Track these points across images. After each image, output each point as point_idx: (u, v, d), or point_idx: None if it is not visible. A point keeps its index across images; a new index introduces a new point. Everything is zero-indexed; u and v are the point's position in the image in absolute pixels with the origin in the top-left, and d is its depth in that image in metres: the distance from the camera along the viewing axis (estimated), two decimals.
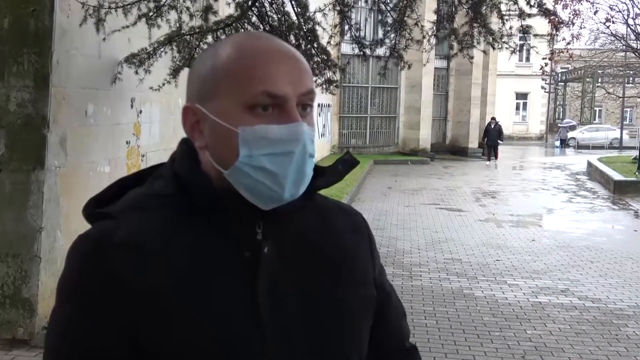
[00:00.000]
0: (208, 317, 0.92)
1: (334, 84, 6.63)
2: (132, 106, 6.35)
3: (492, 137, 23.68)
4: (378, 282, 1.13)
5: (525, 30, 6.31)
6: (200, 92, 0.97)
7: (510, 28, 6.48)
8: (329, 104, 21.22)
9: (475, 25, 6.46)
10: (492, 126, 23.90)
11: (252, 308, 0.95)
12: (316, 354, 0.99)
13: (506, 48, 6.59)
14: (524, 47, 19.79)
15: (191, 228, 0.96)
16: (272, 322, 0.95)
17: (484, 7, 6.37)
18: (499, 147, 24.36)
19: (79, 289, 0.93)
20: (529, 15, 6.33)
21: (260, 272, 0.96)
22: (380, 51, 7.16)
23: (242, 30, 5.93)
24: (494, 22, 6.77)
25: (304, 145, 0.93)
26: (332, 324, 1.01)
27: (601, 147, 32.93)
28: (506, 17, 6.47)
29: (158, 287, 0.91)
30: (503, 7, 6.50)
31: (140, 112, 6.56)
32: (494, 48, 6.63)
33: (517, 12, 6.35)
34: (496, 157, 23.77)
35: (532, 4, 5.97)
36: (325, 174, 1.04)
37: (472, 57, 7.24)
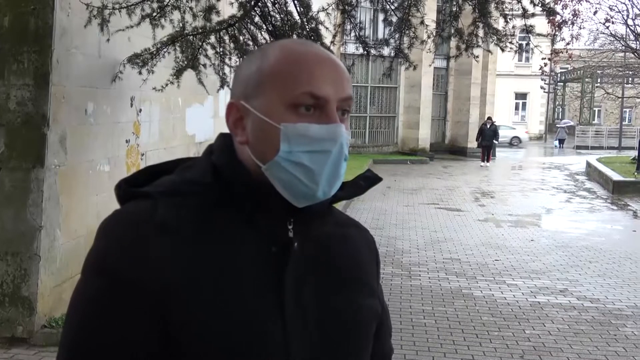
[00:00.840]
0: (233, 308, 0.94)
1: None
2: (131, 105, 6.35)
3: (488, 138, 22.85)
4: (380, 301, 1.16)
5: (529, 30, 6.31)
6: (246, 90, 1.01)
7: (513, 27, 6.48)
8: None
9: (479, 24, 6.45)
10: (488, 126, 23.09)
11: (278, 302, 0.97)
12: (333, 353, 1.01)
13: (510, 49, 6.58)
14: (524, 47, 19.76)
15: (225, 218, 0.98)
16: (295, 317, 0.98)
17: (491, 5, 6.37)
18: (497, 148, 23.89)
19: (113, 264, 0.92)
20: (533, 15, 6.33)
21: (289, 268, 0.99)
22: (385, 51, 7.15)
23: (245, 30, 5.94)
24: (497, 22, 6.77)
25: (340, 145, 0.97)
26: (350, 327, 1.04)
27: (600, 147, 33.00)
28: (509, 17, 6.48)
29: (189, 273, 0.93)
30: (506, 6, 6.50)
31: (140, 111, 6.56)
32: (502, 50, 6.62)
33: (519, 12, 6.35)
34: (488, 159, 22.78)
35: (535, 2, 5.97)
36: (346, 188, 1.07)
37: (478, 57, 7.24)
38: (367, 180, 1.11)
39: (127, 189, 1.01)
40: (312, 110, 0.97)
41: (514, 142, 35.92)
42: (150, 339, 0.92)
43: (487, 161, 22.60)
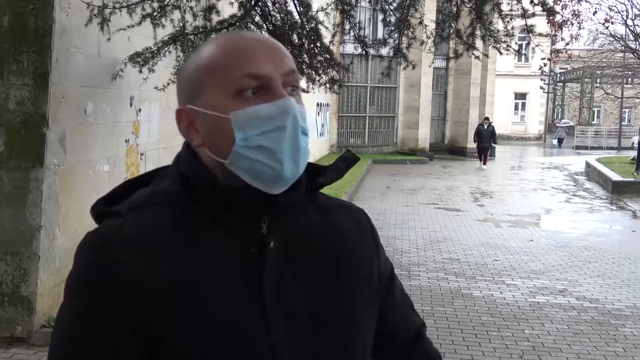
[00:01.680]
0: (214, 313, 0.94)
1: (337, 83, 6.63)
2: (131, 105, 6.35)
3: (485, 139, 21.80)
4: (382, 276, 1.15)
5: (529, 30, 6.31)
6: (190, 92, 1.00)
7: (513, 28, 6.48)
8: (327, 103, 21.23)
9: (477, 25, 6.46)
10: (485, 127, 21.99)
11: (259, 303, 0.96)
12: (320, 348, 1.00)
13: (507, 52, 6.59)
14: (523, 47, 19.74)
15: (197, 225, 0.98)
16: (277, 316, 0.97)
17: (487, 7, 6.37)
18: (495, 150, 22.96)
19: (86, 285, 0.94)
20: (533, 15, 6.33)
21: (267, 267, 0.98)
22: (384, 51, 7.16)
23: (245, 29, 5.94)
24: (496, 22, 6.77)
25: (294, 117, 0.95)
26: (336, 318, 1.03)
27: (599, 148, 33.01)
28: (508, 18, 6.47)
29: (164, 284, 0.93)
30: (505, 7, 6.50)
31: (140, 110, 6.56)
32: (500, 52, 6.62)
33: (519, 12, 6.35)
34: (485, 162, 21.70)
35: (535, 2, 5.97)
36: (327, 172, 1.07)
37: (479, 57, 7.24)
38: (346, 161, 1.10)
39: (100, 209, 1.01)
40: (257, 93, 0.95)
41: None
42: (132, 353, 0.93)
43: (485, 163, 21.64)
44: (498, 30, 6.59)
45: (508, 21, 6.44)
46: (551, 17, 6.86)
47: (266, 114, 0.94)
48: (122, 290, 0.92)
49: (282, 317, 0.98)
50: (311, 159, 1.03)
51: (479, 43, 6.65)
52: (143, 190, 1.03)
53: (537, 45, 6.60)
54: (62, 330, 0.96)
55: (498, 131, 23.25)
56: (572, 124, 38.86)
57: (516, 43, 6.79)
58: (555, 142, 36.48)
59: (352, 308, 1.05)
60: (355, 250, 1.10)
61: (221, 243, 0.98)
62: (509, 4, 6.42)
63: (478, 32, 6.52)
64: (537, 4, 6.06)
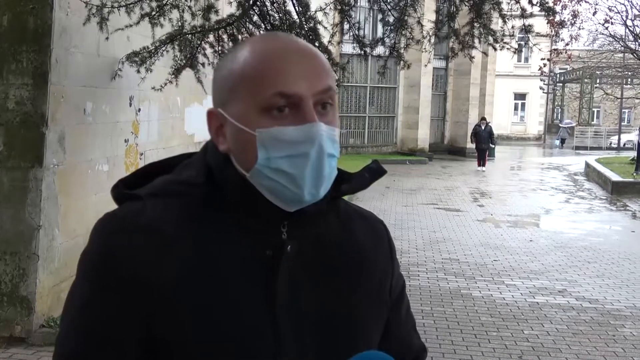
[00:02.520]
0: (222, 314, 0.93)
1: (337, 83, 6.63)
2: (130, 104, 6.35)
3: (483, 140, 21.05)
4: (393, 291, 1.13)
5: (527, 30, 6.31)
6: (222, 97, 0.99)
7: (513, 28, 6.48)
8: None
9: (476, 25, 6.45)
10: (482, 127, 21.25)
11: (269, 307, 0.95)
12: (325, 356, 0.99)
13: (507, 49, 6.59)
14: (523, 48, 19.70)
15: (216, 220, 0.97)
16: (286, 322, 0.96)
17: (486, 6, 6.37)
18: (494, 150, 22.25)
19: (99, 267, 0.94)
20: (531, 15, 6.33)
21: (281, 271, 0.97)
22: (380, 50, 7.16)
23: (244, 29, 5.94)
24: (495, 22, 6.78)
25: (319, 145, 0.92)
26: (344, 328, 1.02)
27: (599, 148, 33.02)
28: (507, 17, 6.47)
29: (176, 276, 0.92)
30: (504, 7, 6.50)
31: (139, 110, 6.55)
32: (495, 49, 6.62)
33: (518, 12, 6.35)
34: (484, 163, 20.84)
35: (534, 2, 5.97)
36: (351, 181, 1.05)
37: (473, 57, 7.24)
38: (372, 172, 1.07)
39: (121, 191, 1.00)
40: (287, 111, 0.92)
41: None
42: (138, 340, 0.92)
43: (483, 165, 20.87)
44: (495, 32, 6.59)
45: (506, 21, 6.44)
46: (550, 18, 6.86)
47: (291, 138, 0.92)
48: (132, 283, 0.91)
49: (291, 323, 0.97)
50: None
51: (476, 42, 6.65)
52: (165, 177, 1.01)
53: (535, 45, 6.60)
54: (70, 311, 0.96)
55: (498, 131, 22.79)
56: (574, 124, 38.83)
57: (516, 42, 6.78)
58: (557, 142, 36.46)
59: (361, 319, 1.04)
60: (370, 261, 1.09)
61: (237, 242, 0.96)
62: (508, 3, 6.42)
63: (476, 32, 6.52)
64: (536, 4, 6.06)
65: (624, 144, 34.09)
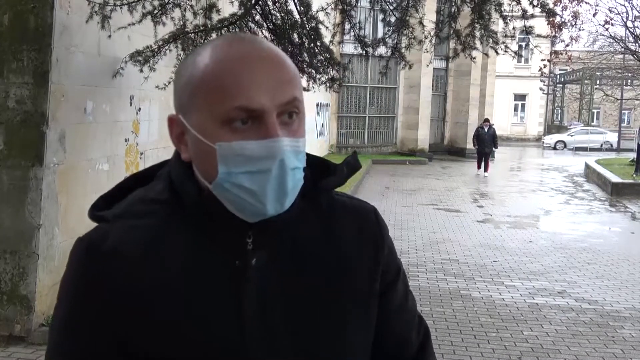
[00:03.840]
0: (191, 325, 0.93)
1: (337, 82, 6.63)
2: (131, 104, 6.35)
3: (485, 143, 19.50)
4: (383, 285, 1.08)
5: (528, 31, 6.32)
6: (181, 103, 0.95)
7: (514, 29, 6.49)
8: (327, 104, 21.24)
9: (477, 26, 6.46)
10: (485, 130, 19.79)
11: (238, 318, 0.94)
12: None
13: (505, 52, 6.59)
14: (523, 49, 19.64)
15: (182, 236, 0.95)
16: (257, 332, 0.94)
17: (488, 7, 6.37)
18: (494, 152, 20.62)
19: (71, 292, 0.96)
20: (532, 16, 6.34)
21: (247, 282, 0.95)
22: (382, 50, 7.17)
23: (246, 28, 5.95)
24: (496, 23, 6.78)
25: (281, 161, 0.88)
26: (322, 336, 0.99)
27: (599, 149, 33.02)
28: (508, 18, 6.48)
29: (143, 293, 0.92)
30: (505, 8, 6.51)
31: (139, 109, 6.56)
32: (497, 53, 6.62)
33: (519, 13, 6.36)
34: (486, 168, 19.45)
35: (534, 4, 5.98)
36: (331, 176, 1.03)
37: (474, 58, 7.25)
38: (349, 166, 1.05)
39: (91, 212, 1.00)
40: (249, 123, 0.88)
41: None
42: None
43: (486, 170, 19.44)
44: (496, 33, 6.59)
45: (507, 22, 6.44)
46: (551, 19, 6.87)
47: (252, 153, 0.88)
48: (101, 302, 0.93)
49: (262, 333, 0.94)
50: None
51: (477, 43, 6.66)
52: (136, 194, 1.01)
53: (535, 47, 6.61)
54: (51, 334, 0.99)
55: (497, 132, 21.55)
56: (582, 125, 38.68)
57: (517, 44, 6.80)
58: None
59: (340, 325, 1.00)
60: (352, 259, 1.04)
61: (205, 256, 0.95)
62: (509, 4, 6.43)
63: (477, 33, 6.53)
64: (537, 5, 6.07)
65: (602, 145, 34.24)
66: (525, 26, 6.35)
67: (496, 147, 20.40)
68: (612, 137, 35.77)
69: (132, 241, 0.94)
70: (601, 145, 34.51)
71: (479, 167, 19.82)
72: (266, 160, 0.88)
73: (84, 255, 0.95)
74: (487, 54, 7.60)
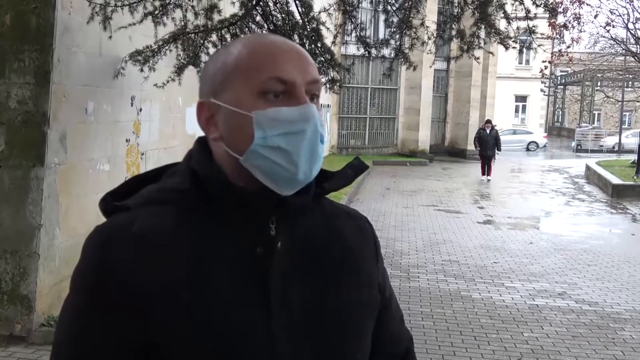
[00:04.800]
0: (217, 312, 0.94)
1: (338, 83, 6.64)
2: (132, 104, 6.36)
3: (488, 146, 18.32)
4: (381, 287, 1.15)
5: (531, 30, 6.32)
6: (214, 87, 1.02)
7: (518, 29, 6.49)
8: (328, 105, 21.23)
9: (481, 25, 6.47)
10: (488, 131, 18.62)
11: (263, 303, 0.96)
12: (319, 352, 1.00)
13: (513, 47, 6.59)
14: (524, 50, 19.60)
15: (204, 223, 0.98)
16: (280, 318, 0.97)
17: (491, 8, 6.38)
18: (496, 158, 18.92)
19: (89, 280, 0.95)
20: (535, 15, 6.34)
21: (273, 269, 0.98)
22: (385, 52, 7.17)
23: (247, 29, 5.96)
24: (498, 23, 6.78)
25: (314, 124, 0.97)
26: (336, 323, 1.03)
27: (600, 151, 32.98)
28: (512, 18, 6.49)
29: (168, 282, 0.93)
30: (508, 8, 6.51)
31: (140, 110, 6.56)
32: (506, 47, 6.62)
33: (522, 14, 6.37)
34: (489, 172, 18.41)
35: (537, 3, 5.98)
36: (334, 178, 1.07)
37: (478, 58, 7.25)
38: (354, 169, 1.10)
39: (109, 203, 1.01)
40: (280, 96, 0.97)
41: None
42: (133, 351, 0.93)
43: (489, 174, 18.33)
44: (501, 32, 6.60)
45: (510, 22, 6.45)
46: (552, 20, 6.87)
47: (287, 117, 0.96)
48: (125, 291, 0.92)
49: (284, 320, 0.97)
50: None
51: (482, 42, 6.66)
52: (152, 187, 1.03)
53: (539, 45, 6.61)
54: (64, 324, 0.97)
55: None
56: (590, 127, 38.53)
57: (519, 44, 6.80)
58: (573, 145, 36.01)
59: (352, 313, 1.05)
60: (357, 258, 1.10)
61: (228, 243, 0.98)
62: (512, 4, 6.43)
63: (482, 32, 6.53)
64: (540, 5, 6.07)
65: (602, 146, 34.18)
66: (528, 25, 6.36)
67: (499, 150, 19.02)
68: (538, 138, 35.66)
69: (158, 227, 0.96)
70: (527, 145, 34.55)
71: (483, 173, 18.58)
72: (301, 123, 0.97)
73: (108, 242, 0.95)
74: (491, 52, 7.60)
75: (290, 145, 0.96)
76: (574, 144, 35.56)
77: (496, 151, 18.61)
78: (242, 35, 1.20)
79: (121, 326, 0.93)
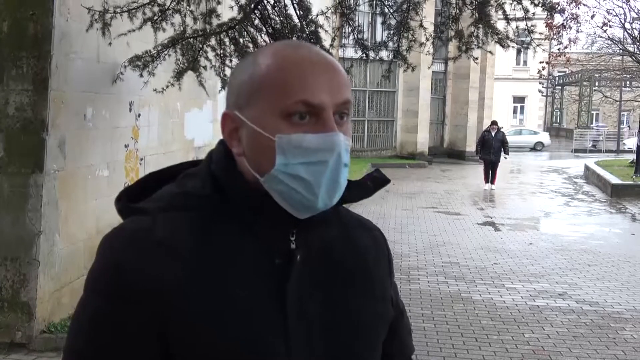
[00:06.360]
0: (235, 322, 0.93)
1: None
2: (130, 110, 6.36)
3: (492, 150, 16.17)
4: (394, 299, 1.15)
5: (530, 31, 6.34)
6: (239, 100, 0.98)
7: (517, 28, 6.51)
8: None
9: (480, 25, 6.48)
10: (493, 134, 16.43)
11: (280, 316, 0.95)
12: None
13: (512, 47, 6.60)
14: (522, 50, 19.60)
15: (224, 232, 0.97)
16: (297, 329, 0.96)
17: (489, 8, 6.39)
18: (500, 163, 16.77)
19: (111, 283, 0.93)
20: (534, 15, 6.36)
21: (292, 281, 0.97)
22: (383, 54, 7.18)
23: (245, 33, 5.96)
24: (495, 23, 6.79)
25: (338, 154, 0.94)
26: (351, 335, 1.02)
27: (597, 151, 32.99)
28: (510, 18, 6.50)
29: (188, 289, 0.92)
30: (507, 8, 6.53)
31: (139, 115, 6.56)
32: (504, 47, 6.63)
33: (520, 14, 6.38)
34: (493, 180, 16.44)
35: (536, 3, 6.00)
36: (354, 189, 1.04)
37: (477, 58, 7.26)
38: (375, 181, 1.07)
39: (126, 205, 1.00)
40: (307, 118, 0.93)
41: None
42: (151, 352, 0.92)
43: (492, 182, 16.39)
44: (498, 30, 6.61)
45: (509, 21, 6.46)
46: (550, 21, 6.89)
47: (311, 145, 0.93)
48: (144, 294, 0.91)
49: (303, 331, 0.97)
50: None
51: (481, 42, 6.67)
52: (170, 189, 1.01)
53: (538, 45, 6.62)
54: (81, 328, 0.95)
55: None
56: (607, 128, 38.43)
57: (518, 44, 6.81)
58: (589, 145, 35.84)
59: (367, 326, 1.05)
60: (372, 269, 1.10)
61: (247, 252, 0.97)
62: (510, 4, 6.44)
63: (480, 33, 6.54)
64: (538, 4, 6.08)
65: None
66: (526, 25, 6.37)
67: (507, 154, 16.59)
68: (544, 138, 35.93)
69: (178, 233, 0.94)
70: (535, 145, 34.65)
71: (487, 180, 16.52)
72: (324, 153, 0.93)
73: (130, 244, 0.93)
74: (490, 52, 7.60)
75: (311, 175, 0.93)
76: (589, 144, 35.23)
77: (503, 156, 16.41)
78: (274, 43, 1.12)
79: (141, 327, 0.92)
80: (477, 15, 6.47)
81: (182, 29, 5.65)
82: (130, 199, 1.01)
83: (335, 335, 1.00)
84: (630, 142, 34.01)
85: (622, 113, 38.15)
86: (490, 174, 16.46)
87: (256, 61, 0.98)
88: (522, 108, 44.87)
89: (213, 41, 5.87)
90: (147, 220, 0.95)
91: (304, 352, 0.96)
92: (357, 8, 7.18)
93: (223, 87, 6.30)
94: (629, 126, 41.37)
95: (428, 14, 8.21)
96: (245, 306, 0.94)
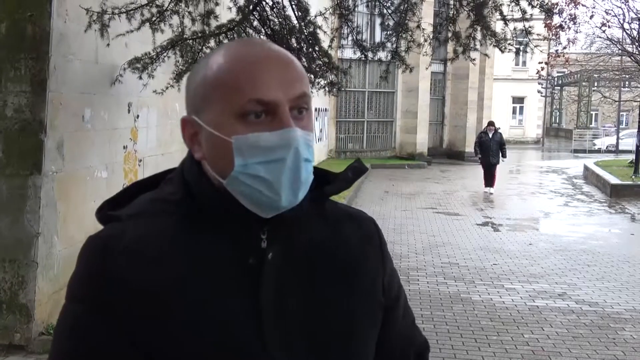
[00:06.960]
0: (208, 323, 0.93)
1: (337, 87, 6.65)
2: (129, 111, 6.35)
3: (491, 152, 15.58)
4: (387, 288, 1.12)
5: (528, 32, 6.34)
6: (195, 104, 0.98)
7: (515, 29, 6.51)
8: (326, 109, 21.24)
9: (477, 27, 6.48)
10: (490, 135, 15.91)
11: (255, 315, 0.95)
12: None
13: (509, 50, 6.61)
14: (521, 51, 19.57)
15: (196, 234, 0.97)
16: (274, 329, 0.96)
17: (486, 9, 6.40)
18: (499, 165, 16.10)
19: (85, 289, 0.95)
20: (531, 16, 6.36)
21: (264, 279, 0.97)
22: (381, 55, 7.19)
23: (244, 34, 5.96)
24: (494, 25, 6.80)
25: (296, 150, 0.92)
26: (337, 332, 1.01)
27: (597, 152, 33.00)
28: (508, 19, 6.50)
29: (159, 293, 0.93)
30: (504, 9, 6.53)
31: (138, 116, 6.56)
32: (502, 50, 6.63)
33: (517, 15, 6.39)
34: (493, 183, 15.79)
35: (534, 4, 6.00)
36: (335, 181, 1.05)
37: (474, 60, 7.26)
38: (355, 171, 1.07)
39: (102, 213, 1.01)
40: (263, 117, 0.92)
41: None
42: (132, 358, 0.92)
43: (492, 185, 15.77)
44: (495, 33, 6.61)
45: (507, 23, 6.46)
46: (549, 21, 6.90)
47: (267, 144, 0.92)
48: (118, 298, 0.92)
49: (280, 330, 0.96)
50: None
51: (478, 44, 6.67)
52: (146, 196, 1.02)
53: (536, 46, 6.62)
54: (61, 335, 0.96)
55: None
56: (614, 127, 38.17)
57: (515, 46, 6.81)
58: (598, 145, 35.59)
59: (354, 321, 1.04)
60: (359, 262, 1.08)
61: (219, 253, 0.96)
62: (508, 5, 6.44)
63: (478, 34, 6.55)
64: (535, 6, 6.09)
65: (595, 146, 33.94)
66: (524, 26, 6.38)
67: (505, 156, 16.12)
68: None
69: (148, 239, 0.95)
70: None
71: (486, 184, 15.87)
72: (281, 150, 0.92)
73: (102, 252, 0.94)
74: (487, 55, 7.61)
75: (270, 174, 0.92)
76: (600, 144, 34.87)
77: (501, 158, 15.93)
78: (225, 44, 1.10)
79: (116, 334, 0.92)
80: (474, 17, 6.47)
81: (180, 30, 5.64)
82: (113, 208, 1.02)
83: (318, 332, 0.99)
84: (599, 142, 33.96)
85: (621, 113, 38.16)
86: (490, 177, 15.88)
87: (207, 62, 0.97)
88: (521, 108, 44.84)
89: (212, 42, 5.87)
90: (119, 227, 0.96)
91: (282, 350, 0.96)
92: (356, 9, 7.18)
93: None
94: (604, 127, 41.21)
95: (426, 15, 8.23)
96: (218, 308, 0.93)
